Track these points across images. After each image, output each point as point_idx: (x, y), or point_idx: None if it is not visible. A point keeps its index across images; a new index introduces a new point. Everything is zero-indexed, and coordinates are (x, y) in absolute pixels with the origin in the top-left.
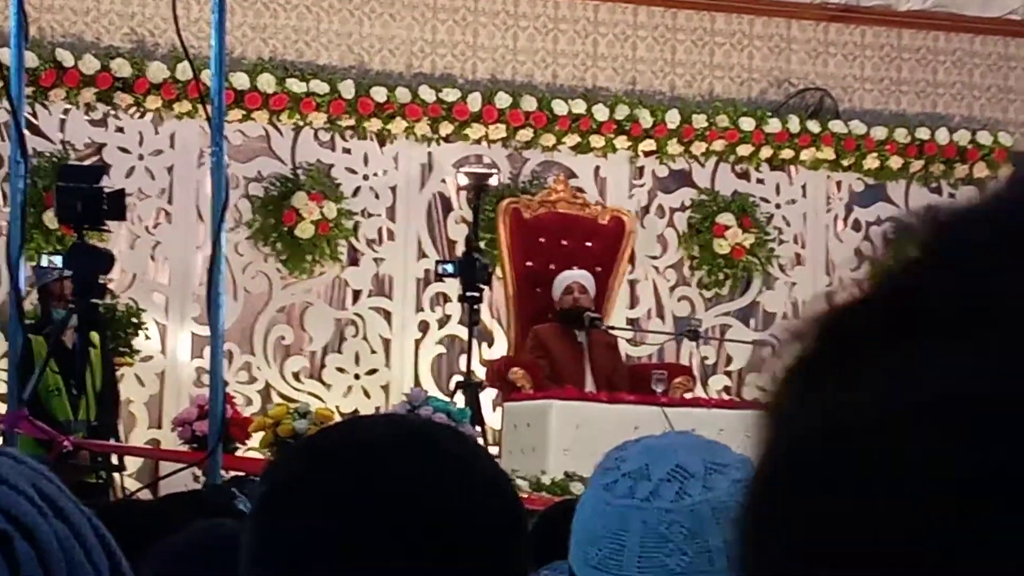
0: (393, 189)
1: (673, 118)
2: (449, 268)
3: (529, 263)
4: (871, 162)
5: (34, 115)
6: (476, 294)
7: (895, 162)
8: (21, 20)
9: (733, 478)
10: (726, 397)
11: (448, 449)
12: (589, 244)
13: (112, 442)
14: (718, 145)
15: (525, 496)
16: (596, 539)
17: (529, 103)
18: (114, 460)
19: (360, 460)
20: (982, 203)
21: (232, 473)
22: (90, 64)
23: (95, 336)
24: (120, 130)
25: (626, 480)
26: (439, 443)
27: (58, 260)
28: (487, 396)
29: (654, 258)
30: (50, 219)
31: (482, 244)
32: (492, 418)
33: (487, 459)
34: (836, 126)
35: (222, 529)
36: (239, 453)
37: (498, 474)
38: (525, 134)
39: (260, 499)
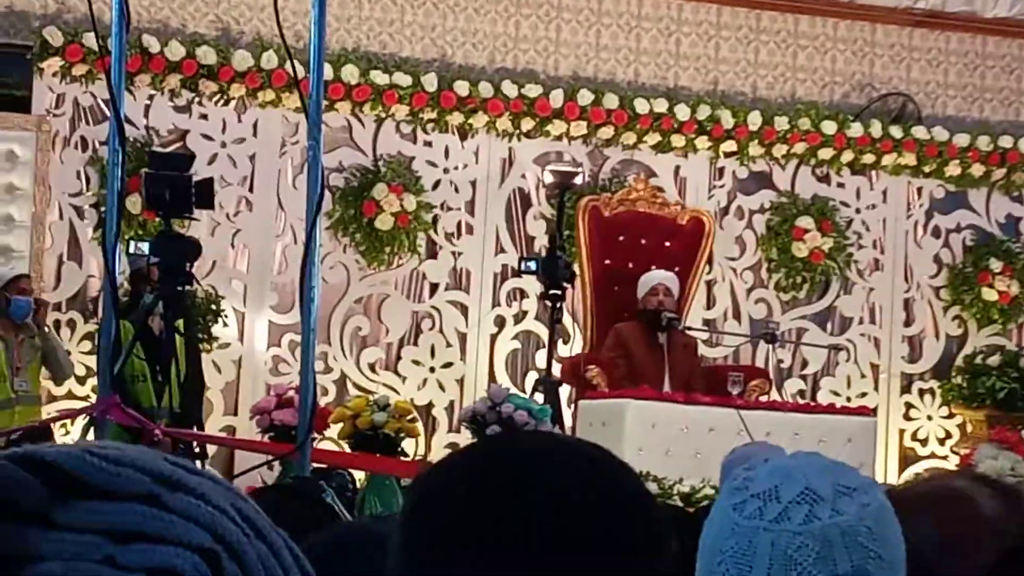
0: (473, 183)
1: (755, 119)
2: (532, 265)
3: (607, 261)
4: (953, 169)
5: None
6: (558, 292)
7: (977, 170)
8: (123, 11)
9: (862, 502)
10: (801, 401)
11: (599, 464)
12: (668, 244)
13: (198, 431)
14: (799, 148)
15: None
16: (723, 559)
17: (611, 101)
18: (196, 448)
19: (513, 467)
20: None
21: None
22: (176, 51)
23: (180, 323)
24: (204, 117)
25: (755, 501)
26: (590, 457)
27: (145, 246)
28: (563, 392)
29: (732, 260)
30: (133, 203)
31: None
32: (566, 415)
33: (635, 478)
34: (918, 132)
35: (366, 529)
36: (317, 444)
37: (645, 493)
38: (606, 132)
39: (415, 501)
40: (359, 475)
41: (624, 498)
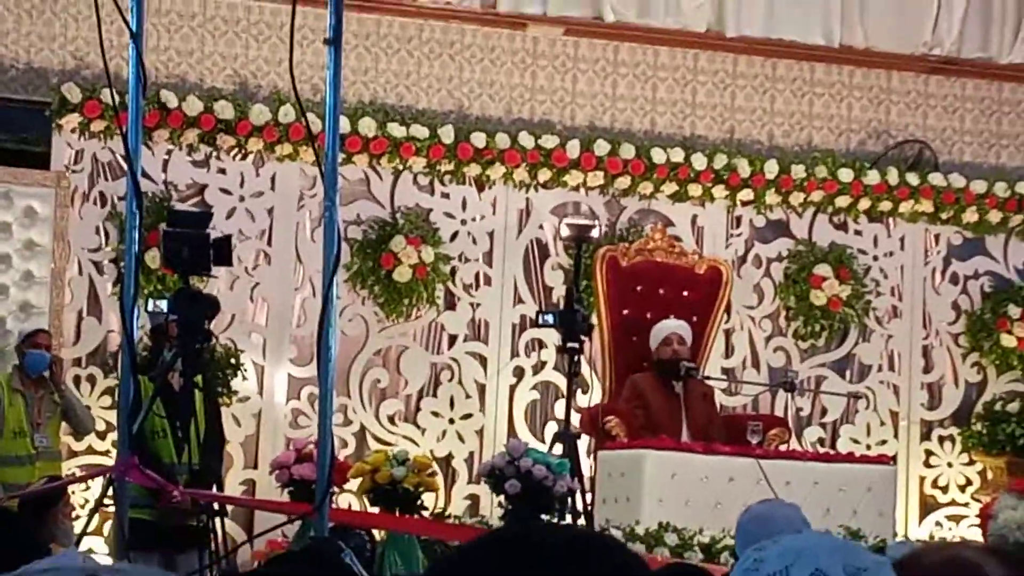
0: (491, 234)
1: (771, 168)
2: (550, 319)
3: (625, 311)
4: (970, 215)
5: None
6: (576, 345)
7: (994, 216)
8: (140, 73)
9: None
10: (821, 449)
11: (614, 555)
12: (686, 293)
13: (217, 491)
14: (816, 196)
15: None
16: None
17: (628, 151)
18: (215, 504)
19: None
20: None
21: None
22: (194, 106)
23: (199, 379)
24: (222, 171)
25: None
26: (606, 548)
27: (163, 304)
28: (582, 444)
29: (750, 308)
30: (152, 259)
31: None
32: (585, 465)
33: (645, 568)
34: (935, 179)
35: None
36: (336, 498)
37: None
38: (623, 182)
39: None
40: (379, 531)
41: None
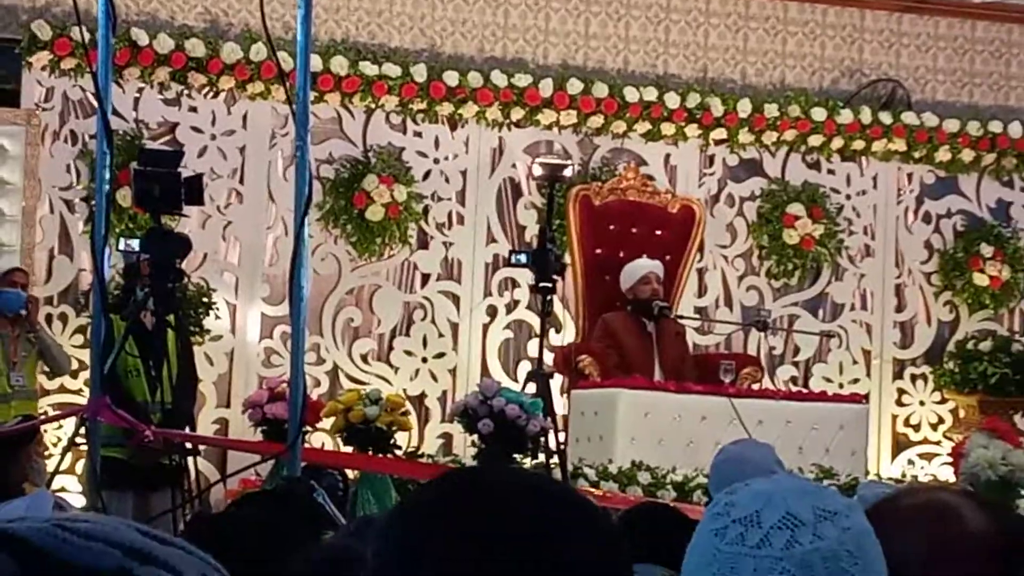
0: (463, 173)
1: (744, 107)
2: (523, 258)
3: (598, 250)
4: (943, 154)
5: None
6: (549, 285)
7: (967, 155)
8: (109, 9)
9: (843, 526)
10: (793, 388)
11: (572, 500)
12: (659, 232)
13: (189, 430)
14: (789, 135)
15: (591, 487)
16: None
17: (600, 89)
18: (188, 444)
19: (490, 502)
20: None
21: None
22: (164, 44)
23: (172, 319)
24: (193, 110)
25: (736, 526)
26: (563, 493)
27: (135, 243)
28: (555, 383)
29: (723, 247)
30: (123, 197)
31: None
32: (558, 405)
33: (604, 513)
34: (908, 118)
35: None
36: (309, 438)
37: (614, 528)
38: (596, 120)
39: (391, 555)
40: (352, 470)
41: (600, 533)
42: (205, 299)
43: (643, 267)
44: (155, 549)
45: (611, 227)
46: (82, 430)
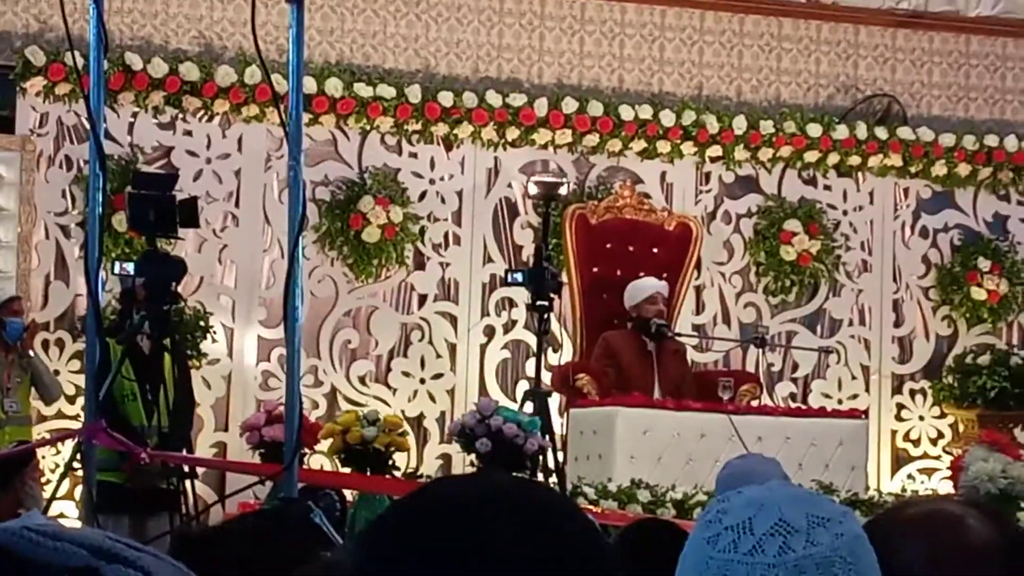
0: (459, 194)
1: (740, 124)
2: (519, 277)
3: (595, 269)
4: (939, 169)
5: (103, 119)
6: (546, 303)
7: (963, 169)
8: (101, 33)
9: (836, 532)
10: (792, 404)
11: (543, 505)
12: (656, 250)
13: (186, 453)
14: (785, 151)
15: (591, 505)
16: None
17: (595, 108)
18: (185, 467)
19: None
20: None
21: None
22: (158, 68)
23: (168, 342)
24: (188, 133)
25: (728, 534)
26: (533, 498)
27: (130, 267)
28: (553, 402)
29: (720, 264)
30: (119, 222)
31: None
32: (557, 423)
33: (579, 512)
34: (904, 132)
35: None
36: (307, 460)
37: (591, 526)
38: (591, 139)
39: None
40: (350, 491)
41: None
42: (202, 323)
43: (650, 287)
44: (123, 551)
45: (608, 245)
46: (78, 455)
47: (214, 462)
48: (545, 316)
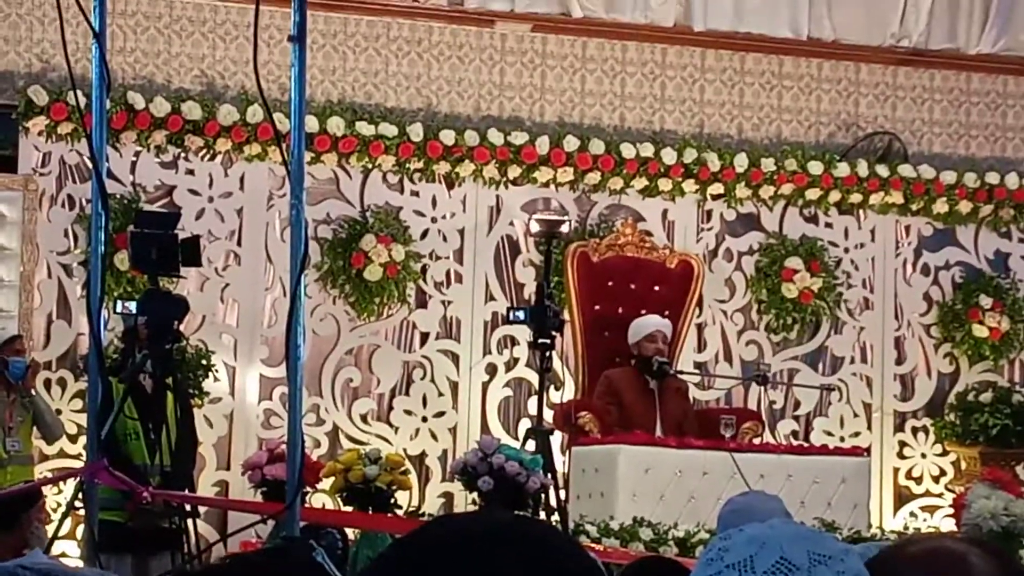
0: (461, 232)
1: (741, 162)
2: (521, 315)
3: (597, 307)
4: (940, 206)
5: (105, 158)
6: (547, 341)
7: (964, 206)
8: (103, 72)
9: (838, 570)
10: (795, 442)
11: (544, 543)
12: (657, 288)
13: (188, 492)
14: (786, 189)
15: (593, 543)
16: None
17: (597, 146)
18: (187, 506)
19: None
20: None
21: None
22: (161, 107)
23: (170, 381)
24: (190, 172)
25: (730, 571)
26: (534, 537)
27: (132, 305)
28: (555, 440)
29: (722, 302)
30: (121, 261)
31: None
32: (559, 461)
33: (579, 549)
34: (905, 170)
35: None
36: (309, 498)
37: (592, 564)
38: (593, 177)
39: None
40: (352, 529)
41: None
42: (204, 361)
43: (652, 324)
44: None
45: (609, 283)
46: (80, 494)
47: (216, 501)
48: (547, 354)
